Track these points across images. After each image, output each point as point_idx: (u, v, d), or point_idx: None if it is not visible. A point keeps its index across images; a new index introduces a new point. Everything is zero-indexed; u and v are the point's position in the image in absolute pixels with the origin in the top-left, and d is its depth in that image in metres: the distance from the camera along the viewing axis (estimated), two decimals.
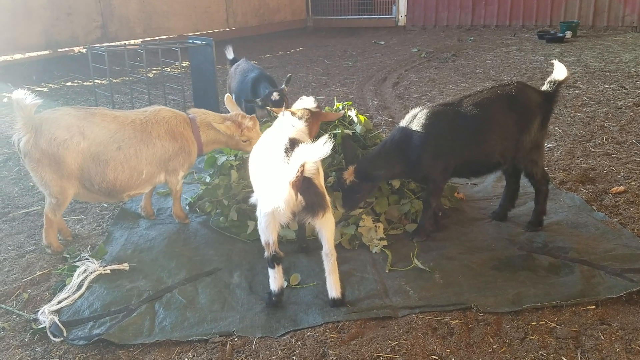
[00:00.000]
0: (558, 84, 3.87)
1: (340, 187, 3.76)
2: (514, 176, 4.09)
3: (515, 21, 15.85)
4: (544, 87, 3.93)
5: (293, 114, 3.58)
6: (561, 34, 13.29)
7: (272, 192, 2.86)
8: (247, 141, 4.16)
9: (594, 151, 5.58)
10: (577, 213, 4.20)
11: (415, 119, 3.81)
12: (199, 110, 4.21)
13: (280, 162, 2.93)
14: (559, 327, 2.90)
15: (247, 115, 4.20)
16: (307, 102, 3.73)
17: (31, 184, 5.15)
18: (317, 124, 3.74)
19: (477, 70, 10.14)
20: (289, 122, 3.43)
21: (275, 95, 5.57)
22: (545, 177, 3.97)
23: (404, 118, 3.93)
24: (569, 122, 6.63)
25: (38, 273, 3.60)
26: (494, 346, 2.79)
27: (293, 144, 3.03)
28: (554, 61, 4.06)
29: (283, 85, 5.75)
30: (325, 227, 3.02)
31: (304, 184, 2.81)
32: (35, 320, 3.08)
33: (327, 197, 3.03)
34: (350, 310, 3.07)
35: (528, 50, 12.11)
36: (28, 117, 3.54)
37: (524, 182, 4.10)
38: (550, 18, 15.29)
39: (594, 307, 3.04)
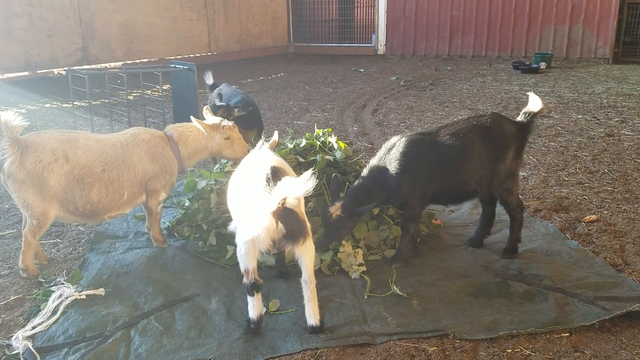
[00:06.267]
0: (533, 115, 3.98)
1: (326, 222, 3.75)
2: (490, 204, 4.17)
3: (491, 52, 16.26)
4: (519, 118, 4.04)
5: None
6: (536, 65, 13.66)
7: (252, 220, 2.87)
8: (228, 139, 4.26)
9: (567, 180, 5.72)
10: (551, 241, 4.28)
11: (394, 147, 3.88)
12: (175, 125, 4.31)
13: (262, 190, 2.95)
14: (533, 354, 2.94)
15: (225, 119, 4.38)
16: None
17: (6, 206, 5.08)
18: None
19: (453, 99, 10.34)
20: (269, 151, 3.47)
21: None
22: (520, 205, 4.05)
23: (383, 146, 3.99)
24: (543, 151, 6.79)
25: (12, 298, 3.54)
26: None
27: (275, 172, 3.05)
28: (529, 93, 4.19)
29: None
30: (306, 254, 3.03)
31: (284, 212, 2.83)
32: (9, 346, 3.02)
33: (308, 224, 3.05)
34: (329, 337, 3.07)
35: (503, 81, 12.41)
36: (15, 138, 3.55)
37: (499, 209, 4.18)
38: (525, 49, 15.71)
39: (567, 334, 3.09)
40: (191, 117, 4.24)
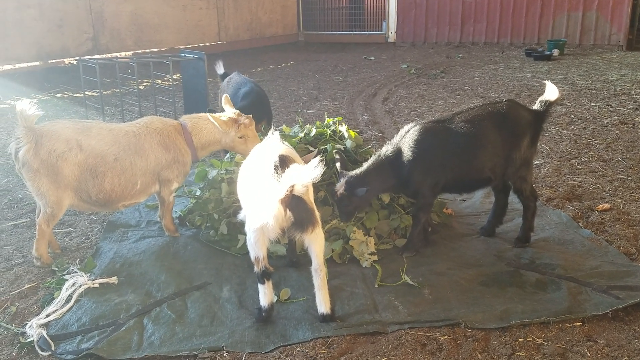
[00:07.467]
0: (549, 104, 3.93)
1: (333, 198, 3.80)
2: (502, 192, 4.14)
3: (503, 39, 16.09)
4: (535, 106, 3.99)
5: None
6: (548, 52, 13.50)
7: (261, 208, 2.87)
8: (242, 137, 4.21)
9: (580, 169, 5.66)
10: (564, 230, 4.25)
11: (407, 134, 3.85)
12: (190, 116, 4.28)
13: (270, 178, 2.95)
14: (546, 343, 2.92)
15: (243, 114, 4.26)
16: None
17: (20, 195, 5.13)
18: None
19: (465, 87, 10.26)
20: (278, 140, 3.46)
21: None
22: (534, 193, 4.02)
23: (397, 134, 3.97)
24: (556, 139, 6.73)
25: (26, 286, 3.58)
26: None
27: (283, 160, 3.05)
28: (546, 82, 4.14)
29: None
30: (315, 242, 3.03)
31: (293, 201, 2.83)
32: (23, 334, 3.05)
33: (317, 213, 3.04)
34: (340, 326, 3.08)
35: (516, 68, 12.28)
36: (29, 127, 3.59)
37: (512, 198, 4.16)
38: (538, 36, 15.53)
39: (580, 323, 3.07)
40: (207, 114, 4.20)
